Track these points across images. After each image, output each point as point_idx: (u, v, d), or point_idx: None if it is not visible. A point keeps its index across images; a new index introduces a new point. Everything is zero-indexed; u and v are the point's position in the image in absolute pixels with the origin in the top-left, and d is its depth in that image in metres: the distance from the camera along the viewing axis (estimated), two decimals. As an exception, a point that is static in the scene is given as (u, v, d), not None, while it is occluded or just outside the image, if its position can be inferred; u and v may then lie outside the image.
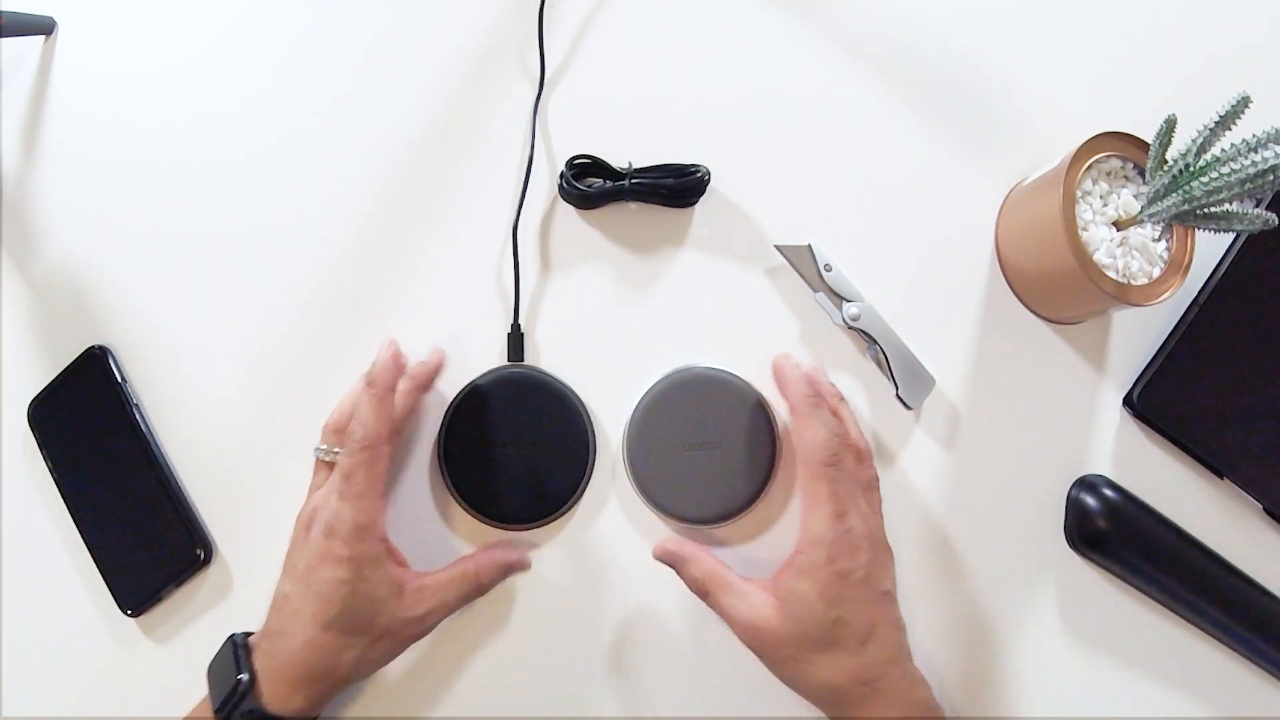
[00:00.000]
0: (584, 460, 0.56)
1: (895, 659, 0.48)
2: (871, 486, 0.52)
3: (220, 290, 0.59)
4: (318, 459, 0.54)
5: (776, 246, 0.57)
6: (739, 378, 0.56)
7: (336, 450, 0.53)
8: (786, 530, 0.56)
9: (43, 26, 0.61)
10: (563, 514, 0.56)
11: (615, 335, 0.58)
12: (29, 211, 0.60)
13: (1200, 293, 0.57)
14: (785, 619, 0.48)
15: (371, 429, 0.49)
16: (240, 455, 0.58)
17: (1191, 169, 0.47)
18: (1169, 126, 0.48)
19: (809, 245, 0.57)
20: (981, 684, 0.55)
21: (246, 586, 0.57)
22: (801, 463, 0.50)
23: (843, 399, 0.56)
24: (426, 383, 0.56)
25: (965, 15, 0.60)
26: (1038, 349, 0.58)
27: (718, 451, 0.55)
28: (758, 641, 0.49)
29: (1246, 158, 0.45)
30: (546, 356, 0.58)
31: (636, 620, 0.56)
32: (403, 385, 0.53)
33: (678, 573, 0.52)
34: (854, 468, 0.51)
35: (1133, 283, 0.51)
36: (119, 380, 0.58)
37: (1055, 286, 0.55)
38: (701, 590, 0.51)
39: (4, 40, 0.61)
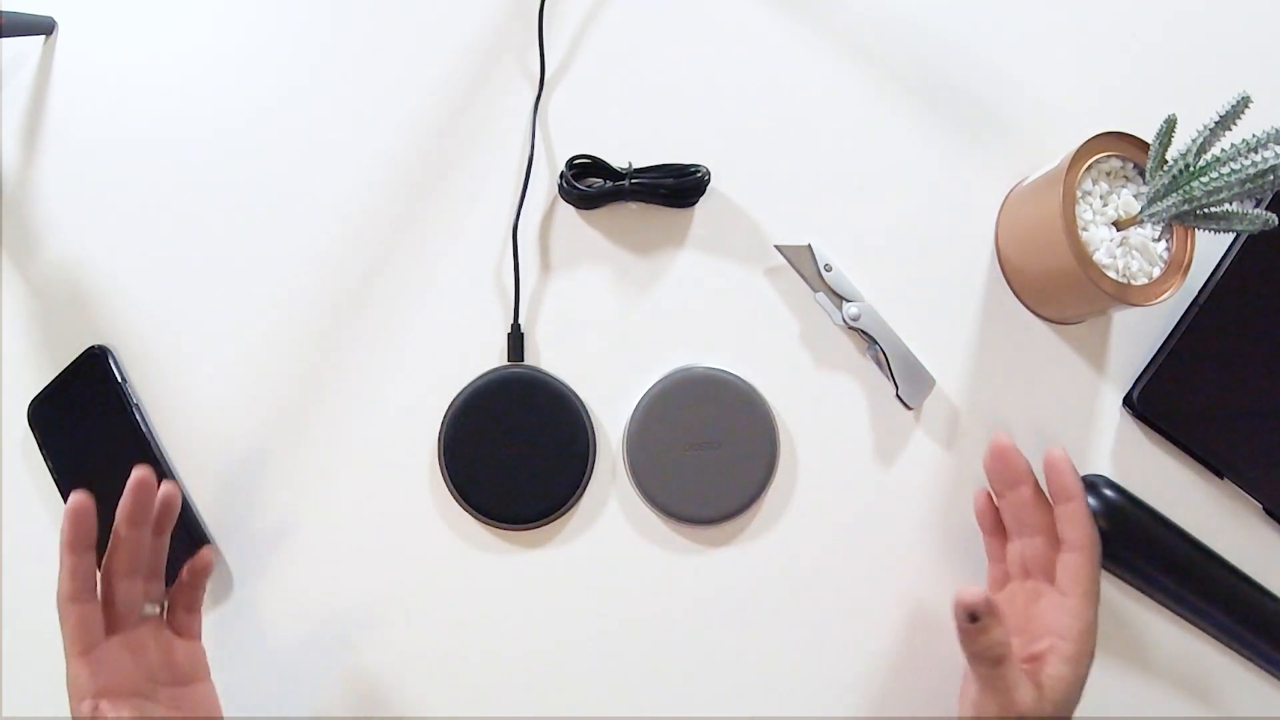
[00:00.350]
0: (584, 460, 0.56)
1: None
2: None
3: (220, 290, 0.59)
4: None
5: (776, 246, 0.57)
6: (739, 378, 0.56)
7: None
8: (787, 531, 0.56)
9: (43, 26, 0.61)
10: (563, 514, 0.56)
11: (615, 335, 0.58)
12: (29, 211, 0.60)
13: (1200, 293, 0.57)
14: (1048, 706, 0.46)
15: (59, 588, 0.47)
16: (240, 455, 0.58)
17: (1191, 169, 0.47)
18: (1169, 126, 0.48)
19: (809, 245, 0.57)
20: (981, 684, 0.55)
21: (246, 587, 0.57)
22: (1079, 550, 0.49)
23: None
24: (133, 514, 0.48)
25: (965, 15, 0.60)
26: (1038, 349, 0.58)
27: (718, 451, 0.55)
28: None
29: (1246, 158, 0.45)
30: (546, 356, 0.58)
31: (636, 620, 0.56)
32: (118, 527, 0.49)
33: (973, 631, 0.45)
34: None
35: (1133, 283, 0.51)
36: (119, 380, 0.58)
37: (1055, 286, 0.55)
38: (998, 657, 0.45)
39: (4, 40, 0.61)
